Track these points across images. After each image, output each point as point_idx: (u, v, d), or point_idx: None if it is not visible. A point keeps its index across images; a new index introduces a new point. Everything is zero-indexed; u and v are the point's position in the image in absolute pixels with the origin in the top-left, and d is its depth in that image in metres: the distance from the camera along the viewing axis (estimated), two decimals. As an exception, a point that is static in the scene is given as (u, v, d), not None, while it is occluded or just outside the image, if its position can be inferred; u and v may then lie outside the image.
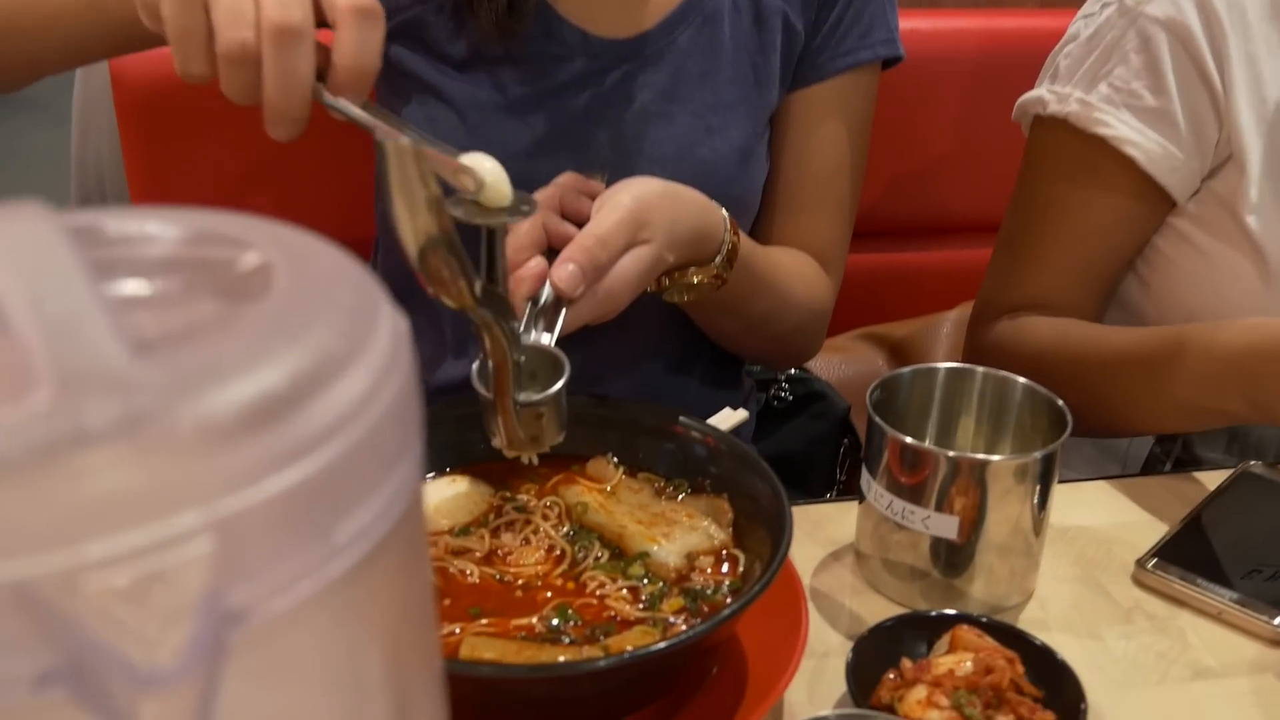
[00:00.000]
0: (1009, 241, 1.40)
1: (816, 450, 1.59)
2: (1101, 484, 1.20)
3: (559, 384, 0.83)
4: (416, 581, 0.41)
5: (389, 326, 0.37)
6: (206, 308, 0.38)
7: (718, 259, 1.07)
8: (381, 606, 0.36)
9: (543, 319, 0.89)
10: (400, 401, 0.35)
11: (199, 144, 1.50)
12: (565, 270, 0.88)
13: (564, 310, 0.89)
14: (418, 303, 0.92)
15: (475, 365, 0.82)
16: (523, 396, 0.81)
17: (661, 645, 0.71)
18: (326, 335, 0.33)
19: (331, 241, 0.39)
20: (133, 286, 0.38)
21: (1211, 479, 1.18)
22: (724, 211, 1.08)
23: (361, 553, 0.33)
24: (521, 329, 0.88)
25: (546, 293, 0.89)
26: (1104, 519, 1.14)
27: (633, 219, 0.93)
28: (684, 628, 0.80)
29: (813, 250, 1.32)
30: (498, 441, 0.85)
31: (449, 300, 0.69)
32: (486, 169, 0.74)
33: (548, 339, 0.87)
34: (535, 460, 0.88)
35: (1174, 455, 1.38)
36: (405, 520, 0.36)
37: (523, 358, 0.80)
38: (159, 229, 0.40)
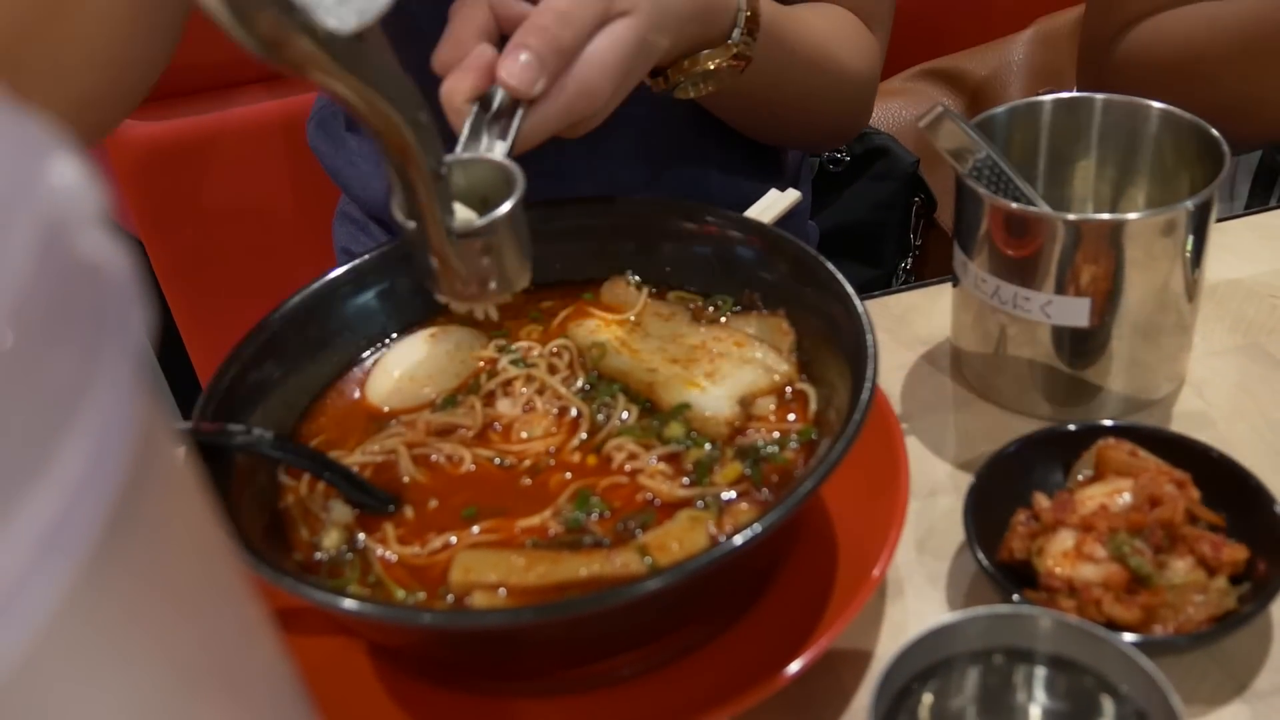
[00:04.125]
0: None
1: (884, 216, 1.36)
2: (1246, 220, 0.97)
3: (506, 205, 0.60)
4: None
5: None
6: None
7: (734, 34, 0.82)
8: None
9: (495, 127, 0.65)
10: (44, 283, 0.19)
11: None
12: (516, 60, 0.64)
13: (519, 114, 0.66)
14: None
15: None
16: (458, 223, 0.59)
17: (718, 550, 0.51)
18: None
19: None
20: None
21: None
22: None
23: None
24: (464, 142, 0.65)
25: (500, 94, 0.66)
26: (1258, 264, 0.91)
27: None
28: (745, 508, 0.59)
29: (853, 4, 1.03)
30: (441, 293, 0.63)
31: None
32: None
33: (500, 151, 0.64)
34: (493, 314, 0.67)
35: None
36: (131, 509, 0.21)
37: (445, 168, 0.57)
38: None
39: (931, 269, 1.39)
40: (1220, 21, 1.01)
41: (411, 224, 0.59)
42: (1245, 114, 0.96)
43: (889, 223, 1.38)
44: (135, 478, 0.21)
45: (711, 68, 0.82)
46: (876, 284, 1.35)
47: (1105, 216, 0.71)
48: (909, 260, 1.40)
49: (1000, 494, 0.68)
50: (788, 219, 0.85)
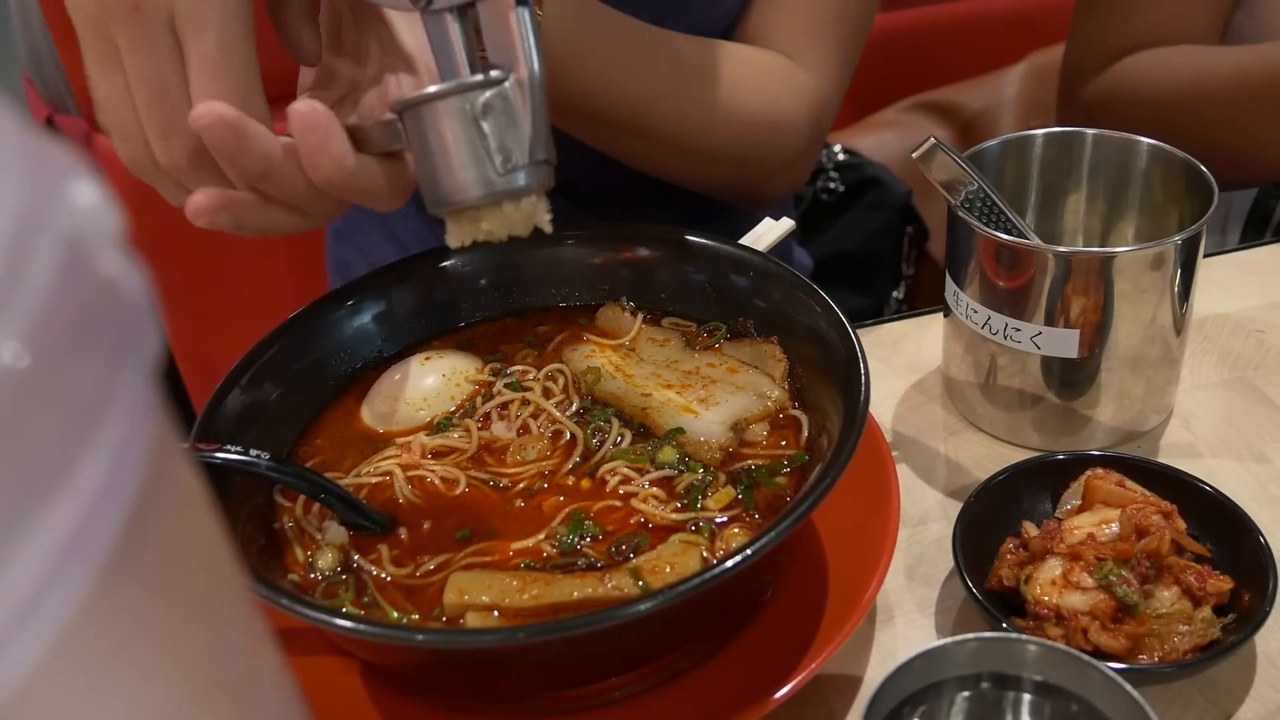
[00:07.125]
0: None
1: (877, 245, 1.37)
2: (1233, 256, 0.98)
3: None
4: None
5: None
6: None
7: None
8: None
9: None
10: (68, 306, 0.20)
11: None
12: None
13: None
14: None
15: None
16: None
17: (710, 573, 0.51)
18: None
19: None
20: None
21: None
22: None
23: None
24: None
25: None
26: (1245, 300, 0.92)
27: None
28: (737, 532, 0.60)
29: (780, 43, 0.95)
30: (500, 179, 0.56)
31: None
32: None
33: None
34: (546, 226, 0.61)
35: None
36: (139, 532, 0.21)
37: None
38: None
39: (924, 298, 1.40)
40: (1218, 67, 1.03)
41: (501, 74, 0.55)
42: (1235, 159, 0.98)
43: (881, 252, 1.39)
44: (148, 491, 0.22)
45: None
46: (867, 312, 1.36)
47: (1095, 250, 0.72)
48: (901, 289, 1.41)
49: (989, 522, 0.69)
50: (775, 246, 0.86)
